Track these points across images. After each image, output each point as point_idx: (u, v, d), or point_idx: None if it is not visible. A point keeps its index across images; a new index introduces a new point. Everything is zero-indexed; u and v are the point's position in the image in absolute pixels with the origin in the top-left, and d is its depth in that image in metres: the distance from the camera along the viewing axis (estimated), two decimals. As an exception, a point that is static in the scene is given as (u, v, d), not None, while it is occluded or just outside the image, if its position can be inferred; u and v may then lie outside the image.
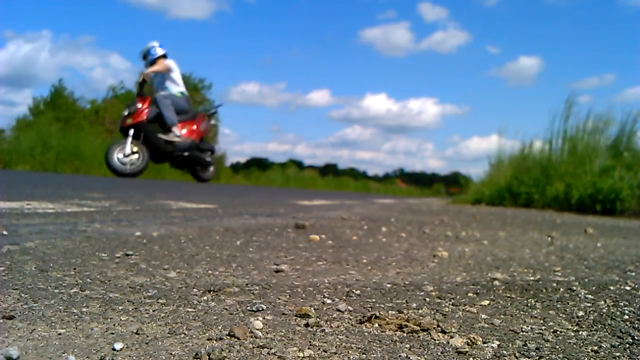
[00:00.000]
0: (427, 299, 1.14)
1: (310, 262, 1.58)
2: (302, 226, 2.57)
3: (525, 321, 1.00)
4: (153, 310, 0.94)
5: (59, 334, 0.78)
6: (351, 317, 0.96)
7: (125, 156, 7.14)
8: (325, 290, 1.18)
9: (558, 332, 0.93)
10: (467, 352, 0.80)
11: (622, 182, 6.34)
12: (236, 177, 17.89)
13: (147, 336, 0.80)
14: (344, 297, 1.12)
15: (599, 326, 0.98)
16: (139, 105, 7.25)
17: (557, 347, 0.84)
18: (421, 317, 0.98)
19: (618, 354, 0.82)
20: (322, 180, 23.53)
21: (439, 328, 0.91)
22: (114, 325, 0.84)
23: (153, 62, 7.69)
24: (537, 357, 0.79)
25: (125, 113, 7.29)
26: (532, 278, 1.45)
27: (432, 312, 1.03)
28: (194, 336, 0.81)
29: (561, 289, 1.30)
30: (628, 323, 1.00)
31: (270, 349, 0.76)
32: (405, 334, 0.87)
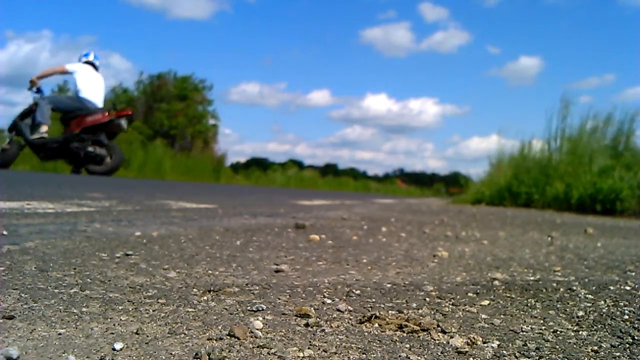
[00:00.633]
0: (427, 299, 1.14)
1: (310, 262, 1.58)
2: (302, 226, 2.57)
3: (525, 321, 1.00)
4: (153, 310, 0.94)
5: (59, 334, 0.78)
6: (351, 317, 0.96)
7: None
8: (325, 290, 1.18)
9: (558, 332, 0.93)
10: (467, 352, 0.80)
11: (622, 182, 6.35)
12: (236, 177, 17.89)
13: (147, 336, 0.80)
14: (344, 297, 1.12)
15: (599, 326, 0.98)
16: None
17: (557, 347, 0.84)
18: (421, 317, 0.98)
19: (618, 354, 0.82)
20: (322, 180, 23.53)
21: (439, 328, 0.91)
22: (114, 325, 0.84)
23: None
24: (537, 357, 0.79)
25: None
26: (532, 278, 1.45)
27: (432, 312, 1.03)
28: (194, 336, 0.81)
29: (561, 289, 1.30)
30: (628, 323, 1.00)
31: (270, 349, 0.76)
32: (405, 334, 0.87)
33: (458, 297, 1.18)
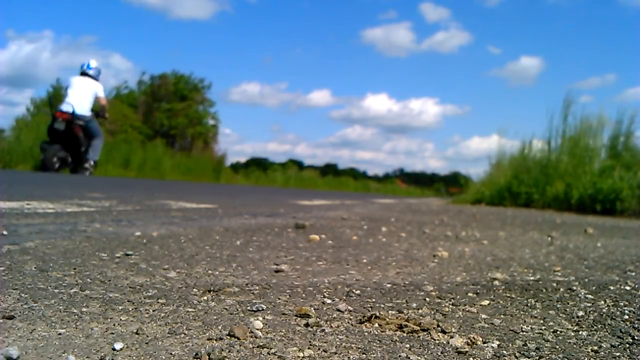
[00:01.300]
0: (427, 299, 1.14)
1: (310, 262, 1.58)
2: (302, 226, 2.57)
3: (525, 321, 1.00)
4: (153, 310, 0.94)
5: (59, 334, 0.78)
6: (351, 317, 0.96)
7: None
8: (325, 290, 1.18)
9: (558, 332, 0.93)
10: (467, 352, 0.80)
11: (622, 182, 6.35)
12: (236, 177, 17.89)
13: (147, 336, 0.80)
14: (344, 297, 1.12)
15: (599, 326, 0.98)
16: None
17: (557, 347, 0.84)
18: (421, 317, 0.98)
19: (618, 354, 0.82)
20: (322, 180, 23.52)
21: (439, 328, 0.91)
22: (114, 325, 0.84)
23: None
24: (537, 357, 0.79)
25: None
26: (532, 278, 1.45)
27: (432, 312, 1.03)
28: (194, 336, 0.81)
29: (561, 289, 1.30)
30: (628, 323, 1.00)
31: (270, 349, 0.76)
32: (405, 334, 0.87)
33: (458, 297, 1.18)
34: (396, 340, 0.84)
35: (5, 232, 1.73)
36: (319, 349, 0.78)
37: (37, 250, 1.45)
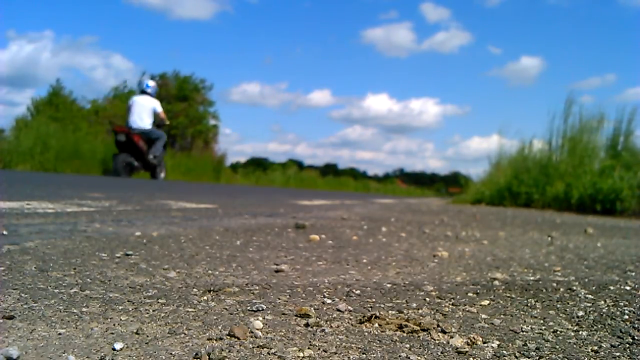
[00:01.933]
0: (427, 299, 1.14)
1: (310, 262, 1.58)
2: (302, 226, 2.57)
3: (525, 321, 1.00)
4: (153, 310, 0.94)
5: (59, 334, 0.78)
6: (351, 317, 0.96)
7: None
8: (325, 290, 1.18)
9: (558, 332, 0.93)
10: (467, 352, 0.80)
11: (622, 182, 6.35)
12: (236, 177, 17.88)
13: (147, 336, 0.80)
14: (344, 297, 1.12)
15: (599, 326, 0.98)
16: None
17: (557, 347, 0.84)
18: (421, 317, 0.98)
19: (618, 354, 0.82)
20: (322, 180, 23.50)
21: (439, 328, 0.91)
22: (114, 325, 0.84)
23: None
24: (537, 357, 0.79)
25: None
26: (532, 278, 1.45)
27: (432, 312, 1.03)
28: (194, 336, 0.81)
29: (561, 289, 1.30)
30: (628, 323, 1.00)
31: (270, 349, 0.76)
32: (405, 334, 0.87)
33: (458, 297, 1.18)
34: (396, 340, 0.84)
35: (5, 232, 1.73)
36: (319, 349, 0.78)
37: (37, 250, 1.45)
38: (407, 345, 0.82)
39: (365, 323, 0.92)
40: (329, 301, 1.08)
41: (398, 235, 2.50)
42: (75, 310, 0.91)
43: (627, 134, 7.95)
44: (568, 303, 1.16)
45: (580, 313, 1.07)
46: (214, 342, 0.78)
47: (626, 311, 1.09)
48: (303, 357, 0.74)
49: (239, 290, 1.14)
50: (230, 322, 0.89)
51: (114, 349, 0.73)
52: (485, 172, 10.65)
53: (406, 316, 0.98)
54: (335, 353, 0.76)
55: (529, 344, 0.84)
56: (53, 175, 8.44)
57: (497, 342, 0.85)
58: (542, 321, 1.00)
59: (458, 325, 0.94)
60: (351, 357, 0.75)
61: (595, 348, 0.84)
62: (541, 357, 0.79)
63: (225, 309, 0.98)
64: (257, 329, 0.85)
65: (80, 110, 16.26)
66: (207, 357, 0.71)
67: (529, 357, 0.79)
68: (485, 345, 0.83)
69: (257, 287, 1.17)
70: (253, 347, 0.77)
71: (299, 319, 0.94)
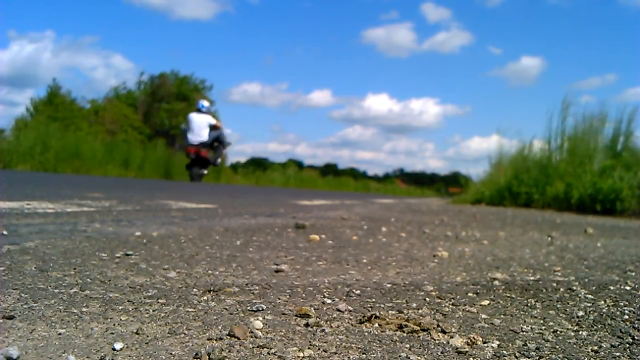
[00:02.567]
0: (427, 299, 1.14)
1: (310, 262, 1.58)
2: (302, 226, 2.57)
3: (525, 321, 1.00)
4: (153, 310, 0.94)
5: (59, 334, 0.78)
6: (351, 317, 0.96)
7: None
8: (325, 290, 1.18)
9: (558, 332, 0.93)
10: (467, 352, 0.80)
11: (622, 182, 6.34)
12: (236, 176, 17.87)
13: (147, 336, 0.80)
14: (344, 297, 1.12)
15: (599, 326, 0.98)
16: None
17: (557, 347, 0.84)
18: (421, 317, 0.98)
19: (618, 354, 0.82)
20: (322, 180, 23.49)
21: (439, 328, 0.91)
22: (114, 325, 0.84)
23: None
24: (537, 357, 0.79)
25: None
26: (532, 278, 1.45)
27: (432, 312, 1.03)
28: (194, 336, 0.81)
29: (561, 289, 1.30)
30: (628, 323, 1.00)
31: (270, 349, 0.76)
32: (405, 334, 0.87)
33: (458, 297, 1.18)
34: (396, 340, 0.84)
35: (5, 232, 1.73)
36: (319, 349, 0.78)
37: (37, 250, 1.45)
38: (407, 345, 0.82)
39: (365, 323, 0.92)
40: (329, 301, 1.08)
41: (398, 235, 2.50)
42: (75, 310, 0.91)
43: (627, 134, 7.94)
44: (568, 303, 1.16)
45: (580, 313, 1.07)
46: (214, 342, 0.78)
47: (626, 311, 1.09)
48: (303, 357, 0.74)
49: (239, 290, 1.14)
50: (230, 322, 0.89)
51: (114, 349, 0.73)
52: (485, 172, 10.65)
53: (406, 316, 0.98)
54: (335, 353, 0.76)
55: (529, 344, 0.84)
56: (53, 175, 8.45)
57: (497, 342, 0.85)
58: (542, 321, 1.00)
59: (458, 325, 0.94)
60: (351, 357, 0.75)
61: (595, 348, 0.84)
62: (541, 357, 0.79)
63: (225, 309, 0.98)
64: (257, 329, 0.85)
65: (80, 110, 16.26)
66: (207, 357, 0.71)
67: (529, 357, 0.79)
68: (485, 345, 0.83)
69: (257, 287, 1.17)
70: (253, 347, 0.77)
71: (299, 319, 0.94)
